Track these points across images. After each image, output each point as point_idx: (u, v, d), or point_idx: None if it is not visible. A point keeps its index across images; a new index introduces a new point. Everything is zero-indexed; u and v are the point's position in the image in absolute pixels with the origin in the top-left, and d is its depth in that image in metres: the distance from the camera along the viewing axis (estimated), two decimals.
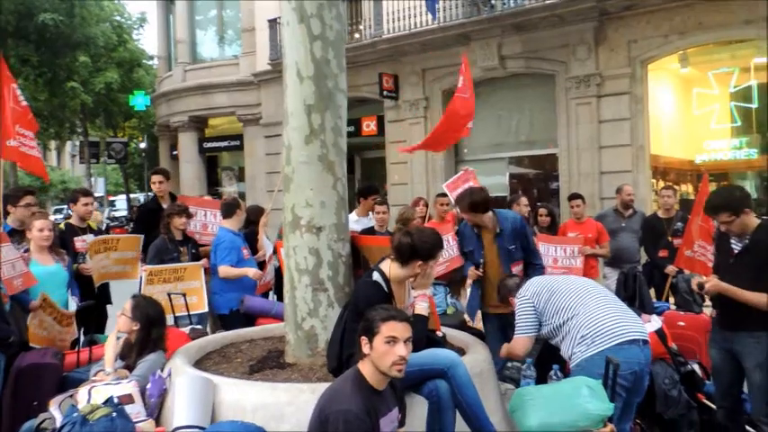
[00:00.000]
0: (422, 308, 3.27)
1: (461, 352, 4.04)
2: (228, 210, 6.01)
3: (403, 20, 13.25)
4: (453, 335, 4.39)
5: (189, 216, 5.96)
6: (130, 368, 3.78)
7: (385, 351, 2.64)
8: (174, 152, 19.07)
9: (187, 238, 5.98)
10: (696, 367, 5.56)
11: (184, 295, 5.27)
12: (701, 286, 4.10)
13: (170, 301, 5.19)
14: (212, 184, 18.47)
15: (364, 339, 2.67)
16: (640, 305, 6.71)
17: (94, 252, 5.73)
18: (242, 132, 17.08)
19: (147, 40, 77.28)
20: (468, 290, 5.63)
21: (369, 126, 14.85)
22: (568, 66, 11.84)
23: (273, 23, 15.44)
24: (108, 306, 6.26)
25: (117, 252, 5.92)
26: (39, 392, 4.14)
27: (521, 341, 3.76)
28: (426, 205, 7.41)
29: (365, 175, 16.10)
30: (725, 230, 3.97)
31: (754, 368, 3.87)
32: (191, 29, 18.01)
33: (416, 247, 3.23)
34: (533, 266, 5.03)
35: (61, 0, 16.86)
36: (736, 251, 3.99)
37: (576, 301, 3.61)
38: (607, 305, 3.57)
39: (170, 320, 5.40)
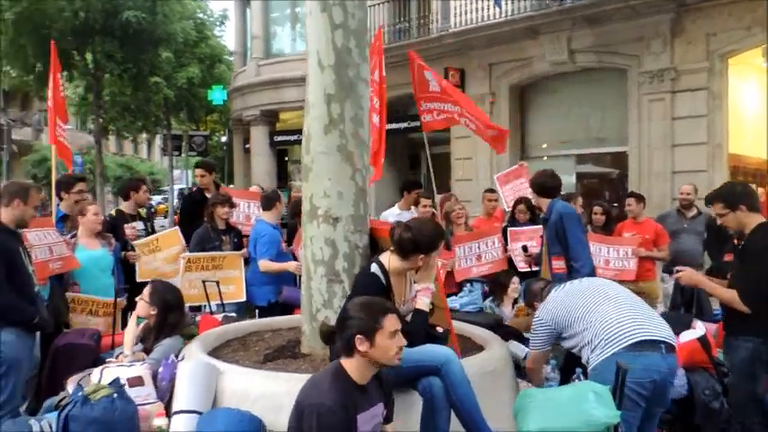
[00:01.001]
0: (423, 303, 3.17)
1: (480, 349, 3.92)
2: (268, 202, 6.07)
3: (470, 13, 13.04)
4: (474, 332, 4.27)
5: (232, 206, 6.06)
6: (148, 352, 3.87)
7: (389, 345, 2.59)
8: (247, 146, 19.54)
9: (230, 227, 6.08)
10: None
11: (218, 283, 5.34)
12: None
13: (204, 288, 5.28)
14: (282, 178, 18.82)
15: (361, 338, 2.57)
16: (698, 311, 6.33)
17: (143, 254, 5.84)
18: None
19: (229, 37, 79.57)
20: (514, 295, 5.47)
21: None
22: (641, 60, 11.32)
23: None
24: None
25: (162, 252, 5.93)
26: (72, 371, 4.29)
27: (532, 356, 3.75)
28: (457, 200, 7.26)
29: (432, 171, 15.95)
30: (721, 224, 3.92)
31: (732, 369, 3.80)
32: (265, 25, 18.38)
33: (417, 240, 3.14)
34: (572, 268, 4.82)
35: None
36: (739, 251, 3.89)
37: (591, 309, 3.43)
38: (621, 308, 3.37)
39: (207, 308, 5.52)
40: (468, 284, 5.79)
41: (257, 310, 5.89)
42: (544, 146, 13.47)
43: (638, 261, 6.80)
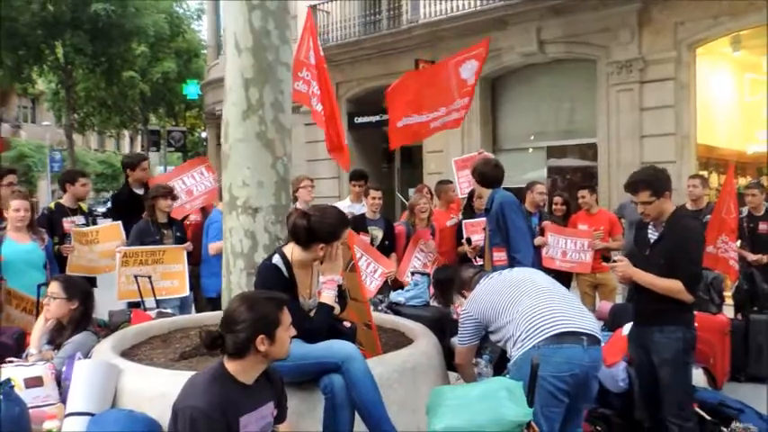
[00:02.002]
0: (326, 296, 3.00)
1: (409, 342, 3.77)
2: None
3: (439, 4, 12.86)
4: (409, 326, 4.12)
5: (174, 198, 5.88)
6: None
7: (286, 338, 2.47)
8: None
9: (171, 220, 5.89)
10: (699, 372, 5.09)
11: (149, 278, 5.15)
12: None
13: (137, 284, 5.10)
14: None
15: (262, 338, 2.40)
16: None
17: (79, 244, 5.66)
18: None
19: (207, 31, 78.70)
20: None
21: None
22: (609, 50, 11.20)
23: (314, 10, 15.31)
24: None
25: (99, 244, 5.75)
26: None
27: (458, 351, 3.58)
28: (431, 192, 7.08)
29: (404, 165, 15.85)
30: (641, 213, 3.72)
31: (661, 365, 3.61)
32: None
33: (313, 228, 2.95)
34: (513, 260, 4.66)
35: None
36: (652, 241, 3.70)
37: (515, 301, 3.27)
38: (544, 299, 3.22)
39: (151, 303, 5.35)
40: (414, 277, 5.62)
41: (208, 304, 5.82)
42: (516, 138, 13.32)
43: (593, 253, 6.68)
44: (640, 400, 3.99)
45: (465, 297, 3.71)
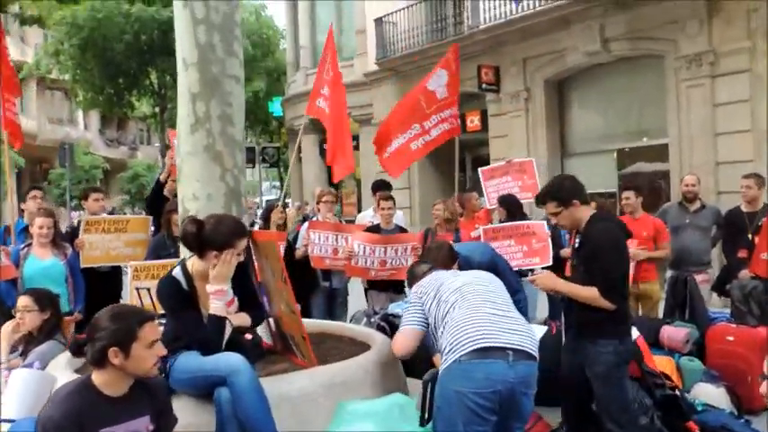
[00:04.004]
0: (215, 307, 2.94)
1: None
2: None
3: (499, 8, 12.57)
4: (371, 335, 4.04)
5: None
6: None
7: (146, 356, 2.43)
8: (300, 154, 19.79)
9: None
10: (721, 392, 4.63)
11: (148, 290, 5.30)
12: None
13: (139, 296, 5.26)
14: (332, 184, 18.89)
15: (115, 350, 2.38)
16: (691, 314, 5.79)
17: (102, 231, 5.86)
18: (358, 133, 17.27)
19: None
20: None
21: (473, 122, 14.31)
22: (677, 44, 10.49)
23: (380, 22, 15.46)
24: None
25: (127, 233, 5.96)
26: None
27: (399, 336, 3.34)
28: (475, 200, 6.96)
29: (475, 174, 15.54)
30: (554, 224, 3.71)
31: (594, 378, 3.47)
32: (312, 34, 18.59)
33: (203, 235, 2.92)
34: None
35: None
36: (576, 248, 3.59)
37: (450, 309, 3.10)
38: (474, 309, 3.02)
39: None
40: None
41: None
42: (584, 142, 12.76)
43: (634, 264, 6.21)
44: (565, 418, 3.76)
45: None
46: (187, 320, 2.94)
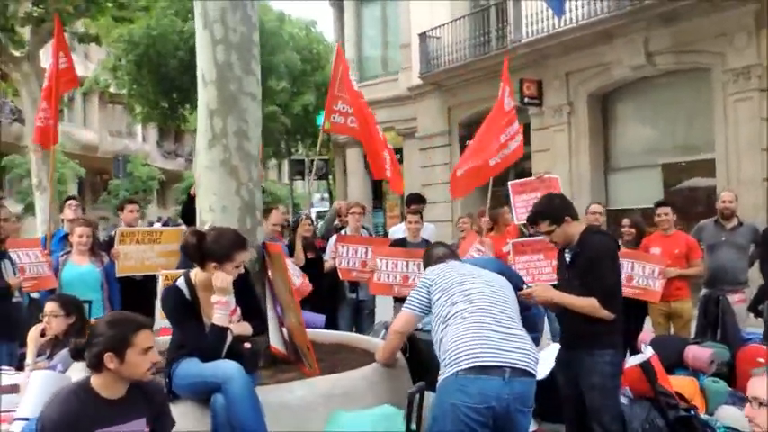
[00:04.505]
0: (217, 317, 3.03)
1: None
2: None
3: (541, 22, 12.49)
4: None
5: None
6: None
7: (140, 362, 2.55)
8: (346, 167, 20.04)
9: None
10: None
11: None
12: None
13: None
14: (378, 197, 19.04)
15: (110, 355, 2.51)
16: (723, 334, 5.64)
17: (136, 242, 6.07)
18: (402, 146, 17.38)
19: None
20: None
21: None
22: (725, 57, 10.24)
23: (424, 37, 15.56)
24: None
25: (161, 245, 6.17)
26: None
27: (399, 317, 3.46)
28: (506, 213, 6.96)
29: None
30: (549, 242, 3.77)
31: (590, 389, 3.50)
32: (358, 48, 18.84)
33: (204, 247, 3.03)
34: None
35: None
36: (567, 262, 3.62)
37: (456, 314, 3.13)
38: (481, 326, 3.04)
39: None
40: None
41: None
42: (629, 156, 12.52)
43: (665, 281, 6.08)
44: (569, 428, 3.72)
45: None
46: (189, 329, 3.06)
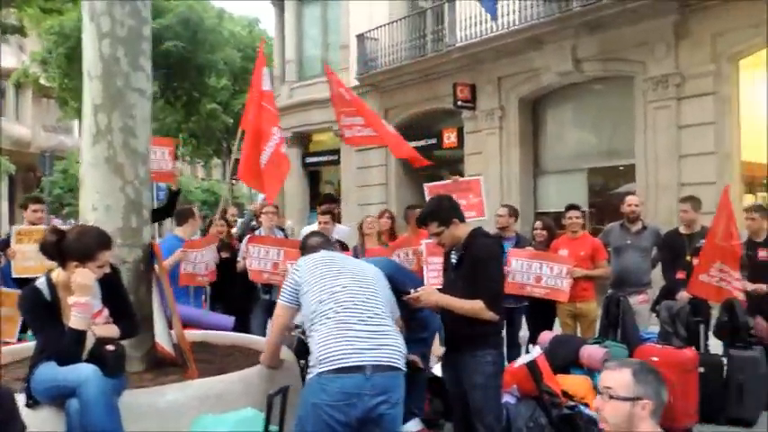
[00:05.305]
0: (74, 320, 2.91)
1: None
2: (180, 217, 6.15)
3: (475, 26, 12.65)
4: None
5: None
6: None
7: None
8: None
9: None
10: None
11: None
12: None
13: None
14: (314, 198, 18.94)
15: None
16: (623, 335, 5.80)
17: (35, 242, 5.83)
18: (340, 147, 17.35)
19: None
20: None
21: (449, 138, 14.37)
22: (646, 66, 10.56)
23: (362, 38, 15.57)
24: None
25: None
26: None
27: (276, 307, 3.45)
28: (391, 217, 6.90)
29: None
30: (437, 243, 3.79)
31: (472, 388, 3.53)
32: (298, 49, 18.72)
33: (66, 246, 2.94)
34: None
35: (184, 29, 18.34)
36: (453, 264, 3.64)
37: (322, 314, 3.10)
38: (345, 327, 3.02)
39: None
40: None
41: None
42: (558, 161, 12.79)
43: (572, 282, 6.23)
44: (456, 428, 3.79)
45: None
46: (48, 332, 2.95)
